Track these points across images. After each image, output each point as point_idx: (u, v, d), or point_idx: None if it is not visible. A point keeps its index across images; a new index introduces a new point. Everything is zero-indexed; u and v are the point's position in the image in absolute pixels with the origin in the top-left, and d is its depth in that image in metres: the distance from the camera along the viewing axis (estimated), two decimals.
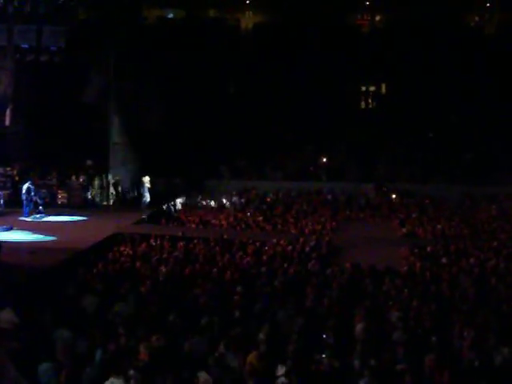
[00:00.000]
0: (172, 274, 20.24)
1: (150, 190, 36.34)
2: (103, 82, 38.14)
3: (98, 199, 36.50)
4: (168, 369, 11.91)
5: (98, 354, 12.66)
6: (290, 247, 24.91)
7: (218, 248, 24.62)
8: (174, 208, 37.67)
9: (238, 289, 17.66)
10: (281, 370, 12.26)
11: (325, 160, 47.48)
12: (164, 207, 36.20)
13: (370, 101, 55.09)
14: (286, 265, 21.73)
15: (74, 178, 36.30)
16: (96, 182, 36.57)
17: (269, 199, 41.20)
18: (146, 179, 36.27)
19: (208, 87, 48.34)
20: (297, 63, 49.86)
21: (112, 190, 36.82)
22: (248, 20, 56.73)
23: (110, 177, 37.09)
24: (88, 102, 37.57)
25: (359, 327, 14.90)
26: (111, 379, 11.28)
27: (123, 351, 12.87)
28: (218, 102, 48.47)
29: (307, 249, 24.82)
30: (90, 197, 36.41)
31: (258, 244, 25.39)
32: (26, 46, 35.00)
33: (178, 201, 39.19)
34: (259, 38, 54.57)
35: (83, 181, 36.43)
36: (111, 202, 36.67)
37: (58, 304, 16.19)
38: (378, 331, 15.02)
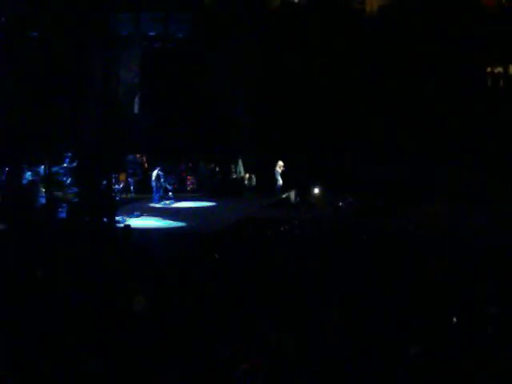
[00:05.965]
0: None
1: (281, 174, 35.99)
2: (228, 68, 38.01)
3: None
4: None
5: None
6: None
7: None
8: None
9: None
10: None
11: None
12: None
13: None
14: None
15: (202, 164, 36.55)
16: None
17: None
18: (280, 164, 35.99)
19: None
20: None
21: (242, 174, 36.95)
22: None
23: (239, 162, 37.13)
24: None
25: None
26: None
27: None
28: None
29: None
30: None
31: None
32: (153, 33, 35.36)
33: None
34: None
35: (212, 167, 36.63)
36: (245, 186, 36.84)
37: (187, 291, 15.91)
38: None
